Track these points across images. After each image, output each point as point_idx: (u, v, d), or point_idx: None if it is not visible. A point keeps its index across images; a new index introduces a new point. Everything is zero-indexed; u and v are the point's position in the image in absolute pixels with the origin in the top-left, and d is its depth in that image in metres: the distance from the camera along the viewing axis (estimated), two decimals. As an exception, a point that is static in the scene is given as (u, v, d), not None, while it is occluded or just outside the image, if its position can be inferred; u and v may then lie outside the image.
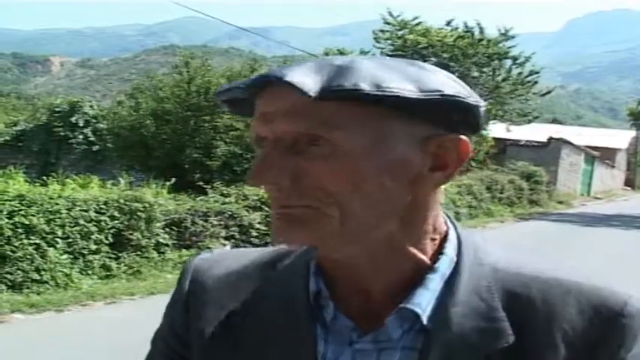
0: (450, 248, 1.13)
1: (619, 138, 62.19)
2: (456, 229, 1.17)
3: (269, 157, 1.03)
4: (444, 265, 1.11)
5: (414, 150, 1.04)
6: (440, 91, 1.02)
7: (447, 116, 1.05)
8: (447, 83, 1.05)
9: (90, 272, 11.66)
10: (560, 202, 36.60)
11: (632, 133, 64.61)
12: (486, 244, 1.18)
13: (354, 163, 1.01)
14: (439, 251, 1.13)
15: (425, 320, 1.08)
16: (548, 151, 40.09)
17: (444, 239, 1.14)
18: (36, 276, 10.71)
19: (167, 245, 13.31)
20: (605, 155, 53.69)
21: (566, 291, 1.10)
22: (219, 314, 1.21)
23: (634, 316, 1.08)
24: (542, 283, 1.11)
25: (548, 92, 41.86)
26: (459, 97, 1.04)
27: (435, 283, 1.10)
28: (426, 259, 1.11)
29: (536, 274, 1.12)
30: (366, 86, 0.98)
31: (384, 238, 1.07)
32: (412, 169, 1.05)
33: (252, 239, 14.76)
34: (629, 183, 64.20)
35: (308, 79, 0.97)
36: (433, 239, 1.13)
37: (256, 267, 1.25)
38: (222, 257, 1.31)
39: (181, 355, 1.25)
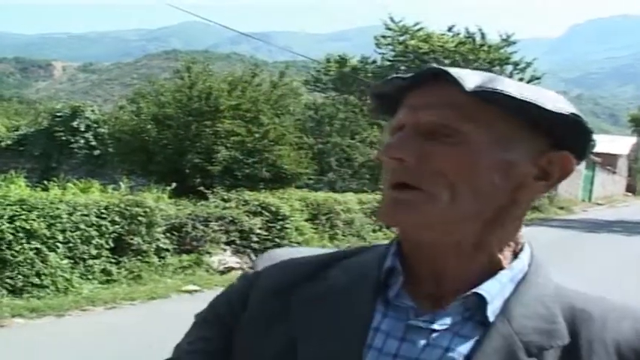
0: (525, 257, 1.22)
1: (620, 144, 62.26)
2: (530, 245, 1.26)
3: (404, 137, 1.15)
4: (517, 267, 1.20)
5: (527, 158, 1.15)
6: (572, 111, 1.14)
7: (565, 135, 1.16)
8: (571, 107, 1.16)
9: (90, 277, 11.67)
10: (562, 208, 36.67)
11: (634, 139, 64.65)
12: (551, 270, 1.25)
13: (476, 155, 1.12)
14: (516, 256, 1.21)
15: (489, 310, 1.14)
16: (550, 157, 40.13)
17: (520, 250, 1.22)
18: (36, 280, 10.71)
19: (168, 250, 13.32)
20: (606, 161, 53.76)
21: (623, 311, 1.18)
22: (280, 292, 1.26)
23: None
24: (601, 302, 1.20)
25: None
26: (582, 120, 1.15)
27: (506, 279, 1.18)
28: (503, 260, 1.19)
29: (597, 296, 1.22)
30: (514, 92, 1.11)
31: (475, 230, 1.16)
32: (520, 175, 1.15)
33: (252, 244, 14.77)
34: (630, 189, 64.28)
35: (468, 77, 1.12)
36: (512, 247, 1.22)
37: (328, 258, 1.32)
38: (297, 252, 1.36)
39: (228, 323, 1.28)
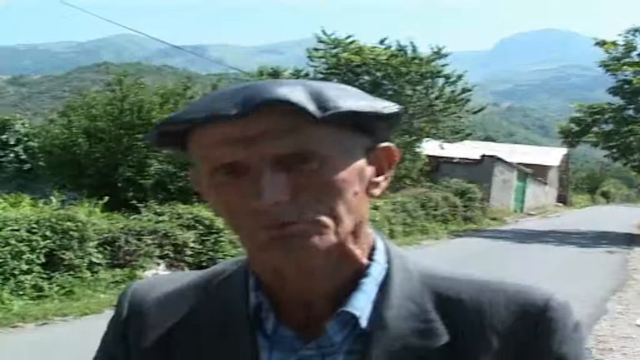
0: (380, 255, 1.20)
1: (551, 155, 63.24)
2: (381, 238, 1.24)
3: (263, 177, 1.05)
4: (377, 270, 1.18)
5: (364, 160, 1.14)
6: (392, 106, 1.13)
7: (378, 128, 1.14)
8: (376, 99, 1.14)
9: (21, 293, 11.48)
10: (494, 219, 37.08)
11: (564, 150, 65.64)
12: (410, 254, 1.25)
13: (340, 173, 1.08)
14: (370, 258, 1.18)
15: (364, 323, 1.13)
16: (482, 169, 40.63)
17: (373, 247, 1.20)
18: (-35, 297, 10.51)
19: (100, 265, 13.15)
20: (537, 172, 54.62)
21: (493, 290, 1.17)
22: (157, 335, 1.23)
23: (557, 309, 1.16)
24: (469, 284, 1.18)
25: (481, 109, 42.44)
26: (400, 110, 1.15)
27: (369, 287, 1.16)
28: (364, 262, 1.17)
29: (463, 277, 1.20)
30: (353, 107, 1.06)
31: (345, 244, 1.13)
32: (366, 177, 1.14)
33: (186, 258, 14.68)
34: (561, 199, 65.38)
35: (304, 100, 1.04)
36: (367, 248, 1.19)
37: (193, 287, 1.27)
38: (159, 281, 1.33)
39: None
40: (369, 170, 1.15)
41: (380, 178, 1.18)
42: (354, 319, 1.13)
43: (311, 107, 1.03)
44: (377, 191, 1.17)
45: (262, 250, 1.08)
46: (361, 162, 1.13)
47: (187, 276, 1.33)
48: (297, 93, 1.04)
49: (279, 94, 1.03)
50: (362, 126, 1.11)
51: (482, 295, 1.16)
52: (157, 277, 1.38)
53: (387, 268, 1.18)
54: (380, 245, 1.21)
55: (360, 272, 1.16)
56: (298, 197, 1.06)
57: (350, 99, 1.07)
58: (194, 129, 1.09)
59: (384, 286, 1.16)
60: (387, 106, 1.12)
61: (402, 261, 1.21)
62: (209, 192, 1.13)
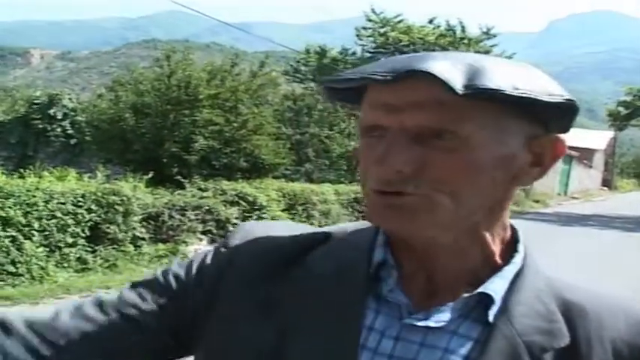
0: (522, 247, 1.19)
1: (597, 138, 62.54)
2: (520, 233, 1.23)
3: (396, 144, 1.06)
4: (518, 261, 1.17)
5: (521, 148, 1.11)
6: (565, 97, 1.08)
7: (551, 118, 1.12)
8: (561, 89, 1.10)
9: (66, 265, 11.61)
10: (537, 202, 36.75)
11: (611, 133, 64.94)
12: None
13: (477, 157, 1.06)
14: (513, 249, 1.19)
15: (493, 312, 1.12)
16: (527, 151, 40.23)
17: (512, 239, 1.20)
18: (12, 268, 10.64)
19: (144, 239, 13.27)
20: (583, 155, 54.00)
21: (614, 305, 1.18)
22: (259, 275, 1.21)
23: None
24: (593, 295, 1.18)
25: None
26: (575, 102, 1.10)
27: (510, 275, 1.15)
28: (497, 252, 1.16)
29: (583, 286, 1.21)
30: (507, 88, 1.03)
31: (472, 225, 1.12)
32: (517, 165, 1.11)
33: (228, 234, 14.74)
34: (606, 183, 64.61)
35: (453, 75, 1.02)
36: (503, 236, 1.19)
37: (312, 235, 1.27)
38: (276, 225, 1.33)
39: (190, 295, 1.23)
40: (524, 158, 1.12)
41: (536, 169, 1.15)
42: (482, 304, 1.12)
43: (455, 83, 1.01)
44: (528, 181, 1.15)
45: (374, 213, 1.10)
46: (514, 148, 1.10)
47: (307, 227, 1.32)
48: (446, 67, 1.03)
49: (424, 66, 1.02)
50: (528, 111, 1.09)
51: (603, 306, 1.16)
52: (275, 222, 1.40)
53: (523, 264, 1.17)
54: (521, 238, 1.21)
55: (491, 259, 1.16)
56: (423, 172, 1.06)
57: (506, 79, 1.04)
58: (367, 87, 1.12)
59: (516, 279, 1.15)
60: (553, 95, 1.07)
61: (534, 261, 1.20)
62: (360, 155, 1.14)
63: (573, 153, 50.11)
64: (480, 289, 1.12)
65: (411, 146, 1.06)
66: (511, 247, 1.19)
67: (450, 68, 1.03)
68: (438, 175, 1.06)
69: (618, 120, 59.82)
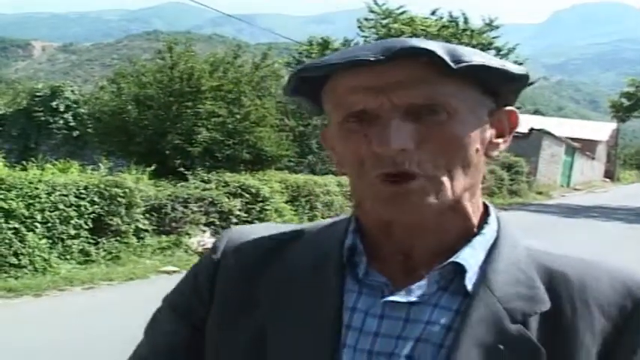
0: (493, 219, 1.22)
1: (600, 130, 62.51)
2: (492, 207, 1.26)
3: (393, 123, 1.08)
4: (489, 232, 1.20)
5: (487, 121, 1.17)
6: (518, 68, 1.16)
7: (504, 90, 1.18)
8: (508, 62, 1.16)
9: (68, 257, 11.63)
10: (540, 193, 36.78)
11: (613, 125, 64.93)
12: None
13: (464, 129, 1.12)
14: (484, 220, 1.21)
15: (470, 282, 1.14)
16: (530, 142, 40.17)
17: (486, 212, 1.23)
18: (14, 260, 10.66)
19: (147, 231, 13.29)
20: (585, 147, 53.99)
21: (596, 267, 1.18)
22: (247, 274, 1.25)
23: None
24: (572, 260, 1.20)
25: (531, 83, 41.64)
26: (528, 74, 1.18)
27: (481, 245, 1.18)
28: (475, 223, 1.19)
29: (564, 254, 1.22)
30: (493, 63, 1.11)
31: (454, 201, 1.14)
32: (487, 138, 1.18)
33: (232, 226, 14.75)
34: (608, 175, 64.58)
35: (443, 53, 1.08)
36: (480, 210, 1.22)
37: (292, 232, 1.31)
38: (258, 227, 1.35)
39: (196, 312, 1.27)
40: (490, 132, 1.18)
41: (500, 140, 1.20)
42: (457, 274, 1.14)
43: (447, 58, 1.07)
44: (495, 153, 1.20)
45: (380, 202, 1.12)
46: (484, 121, 1.16)
47: (289, 226, 1.35)
48: (434, 45, 1.08)
49: (418, 44, 1.07)
50: (489, 87, 1.15)
51: (586, 271, 1.17)
52: (257, 224, 1.44)
53: (497, 233, 1.20)
54: (492, 211, 1.24)
55: (469, 231, 1.18)
56: (422, 148, 1.09)
57: (482, 57, 1.11)
58: (332, 76, 1.14)
59: (492, 250, 1.17)
60: (518, 68, 1.15)
61: (510, 230, 1.22)
62: (337, 143, 1.17)
63: (576, 145, 50.10)
64: (450, 259, 1.14)
65: (407, 124, 1.08)
66: (484, 220, 1.21)
67: (437, 47, 1.08)
68: (437, 149, 1.10)
69: (621, 111, 59.85)
